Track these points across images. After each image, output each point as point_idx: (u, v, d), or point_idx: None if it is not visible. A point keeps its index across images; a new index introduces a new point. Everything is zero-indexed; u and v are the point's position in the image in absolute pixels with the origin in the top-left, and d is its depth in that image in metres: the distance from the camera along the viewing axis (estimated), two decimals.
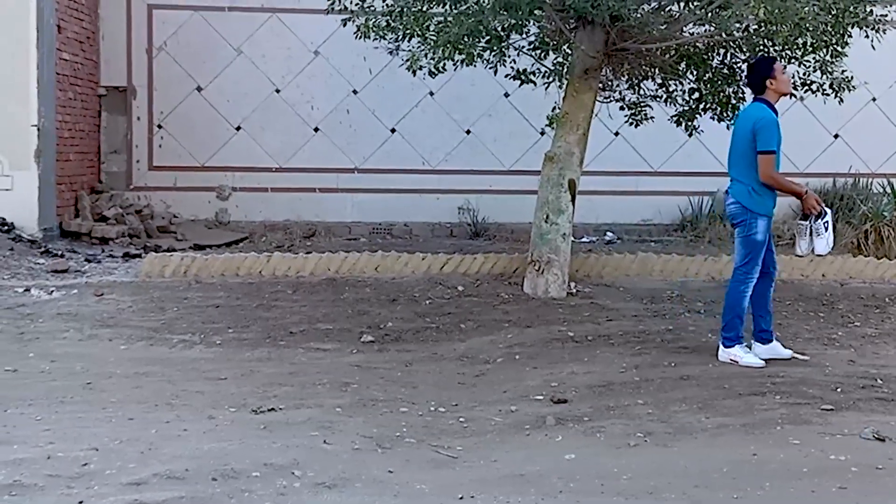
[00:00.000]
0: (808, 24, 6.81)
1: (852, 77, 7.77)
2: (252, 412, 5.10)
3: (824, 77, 7.86)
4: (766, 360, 6.38)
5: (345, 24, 7.70)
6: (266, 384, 5.68)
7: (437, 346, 6.74)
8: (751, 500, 4.20)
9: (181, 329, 6.86)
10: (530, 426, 5.09)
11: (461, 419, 5.18)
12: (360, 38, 7.60)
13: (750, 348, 6.48)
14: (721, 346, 6.45)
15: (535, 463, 4.54)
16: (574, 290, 8.08)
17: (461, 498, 4.08)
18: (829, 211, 6.45)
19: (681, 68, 8.39)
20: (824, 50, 7.63)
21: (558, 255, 7.87)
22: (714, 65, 8.37)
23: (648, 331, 7.10)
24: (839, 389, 5.82)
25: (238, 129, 10.99)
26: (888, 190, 10.30)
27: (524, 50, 8.12)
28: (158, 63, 10.92)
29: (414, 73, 7.37)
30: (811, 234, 6.32)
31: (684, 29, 7.84)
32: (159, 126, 11.02)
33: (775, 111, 6.36)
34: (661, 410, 5.39)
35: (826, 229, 6.33)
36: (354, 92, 10.95)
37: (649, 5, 7.68)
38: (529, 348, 6.66)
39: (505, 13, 7.28)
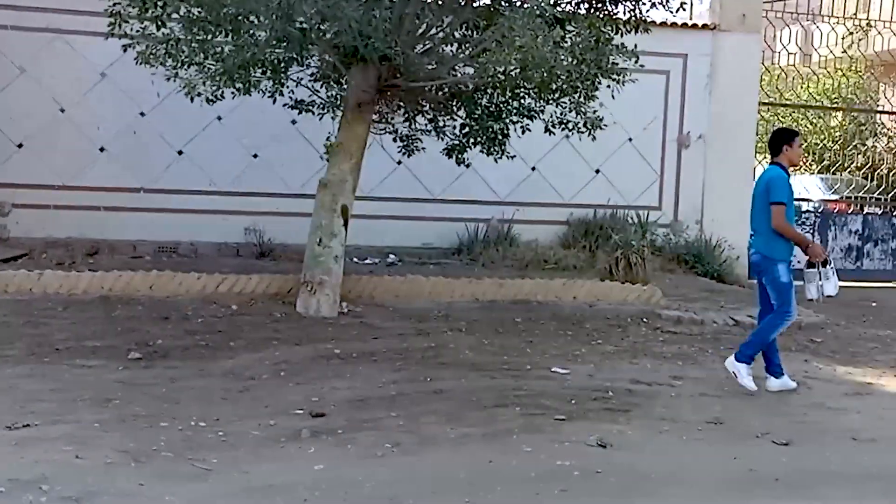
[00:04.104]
0: (558, 71, 7.49)
1: (602, 118, 8.54)
2: (6, 428, 5.11)
3: (579, 117, 8.60)
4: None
5: (125, 50, 7.81)
6: (25, 400, 5.68)
7: (205, 362, 6.85)
8: (481, 502, 4.59)
9: None
10: (286, 439, 5.30)
11: (220, 433, 5.33)
12: (140, 63, 7.74)
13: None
14: (733, 357, 7.07)
15: (285, 474, 4.77)
16: (346, 310, 8.44)
17: None
18: (831, 258, 7.26)
19: (452, 105, 8.98)
20: (576, 94, 8.37)
21: (330, 276, 8.23)
22: (483, 104, 9.00)
23: (411, 348, 7.52)
24: (574, 401, 6.38)
25: (20, 146, 10.75)
26: (637, 221, 11.31)
27: (302, 82, 8.45)
28: None
29: (192, 99, 7.59)
30: (821, 279, 7.03)
31: (455, 69, 8.41)
32: None
33: (788, 174, 7.08)
34: (411, 422, 5.73)
35: (833, 274, 7.11)
36: (142, 114, 10.93)
37: (420, 46, 8.21)
38: (295, 365, 6.90)
39: (281, 47, 7.63)
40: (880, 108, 18.00)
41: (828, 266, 7.10)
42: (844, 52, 15.87)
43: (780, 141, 7.16)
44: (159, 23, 7.38)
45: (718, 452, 5.56)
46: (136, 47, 7.71)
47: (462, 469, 5.00)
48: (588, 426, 5.86)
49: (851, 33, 16.05)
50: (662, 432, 5.90)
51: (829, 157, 17.84)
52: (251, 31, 7.51)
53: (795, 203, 14.57)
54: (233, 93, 7.86)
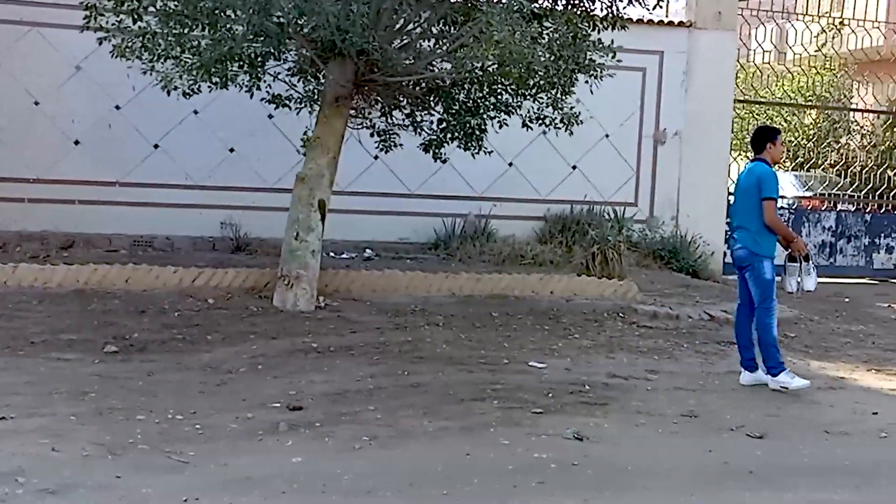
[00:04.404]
0: (536, 67, 7.53)
1: (579, 113, 8.58)
2: None
3: (556, 112, 8.63)
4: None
5: (100, 43, 7.76)
6: (0, 394, 5.64)
7: (182, 356, 6.86)
8: (458, 495, 4.63)
9: None
10: (264, 432, 5.33)
11: (197, 426, 5.35)
12: (116, 57, 7.71)
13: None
14: (770, 378, 7.06)
15: (263, 466, 4.80)
16: (323, 304, 8.42)
17: (185, 500, 4.29)
18: (812, 253, 7.42)
19: (430, 100, 8.99)
20: (553, 89, 8.41)
21: (307, 270, 8.23)
22: (460, 99, 9.02)
23: (388, 342, 7.54)
24: (550, 395, 6.45)
25: None
26: (613, 216, 11.35)
27: (279, 76, 8.44)
28: None
29: (168, 93, 7.57)
30: (801, 274, 7.17)
31: (433, 64, 8.42)
32: None
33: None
34: (388, 416, 5.77)
35: (813, 270, 7.25)
36: (117, 107, 10.85)
37: (397, 41, 8.22)
38: (273, 359, 6.92)
39: (258, 41, 7.61)
40: (854, 106, 18.21)
41: (809, 261, 7.24)
42: (818, 50, 16.02)
43: (763, 138, 7.26)
44: (135, 16, 7.37)
45: (693, 445, 5.63)
46: (111, 40, 7.68)
47: (439, 462, 5.04)
48: (565, 419, 5.92)
49: (825, 31, 16.21)
50: (638, 425, 5.97)
51: (804, 154, 18.03)
52: (228, 25, 7.49)
53: None
54: (209, 87, 7.85)
